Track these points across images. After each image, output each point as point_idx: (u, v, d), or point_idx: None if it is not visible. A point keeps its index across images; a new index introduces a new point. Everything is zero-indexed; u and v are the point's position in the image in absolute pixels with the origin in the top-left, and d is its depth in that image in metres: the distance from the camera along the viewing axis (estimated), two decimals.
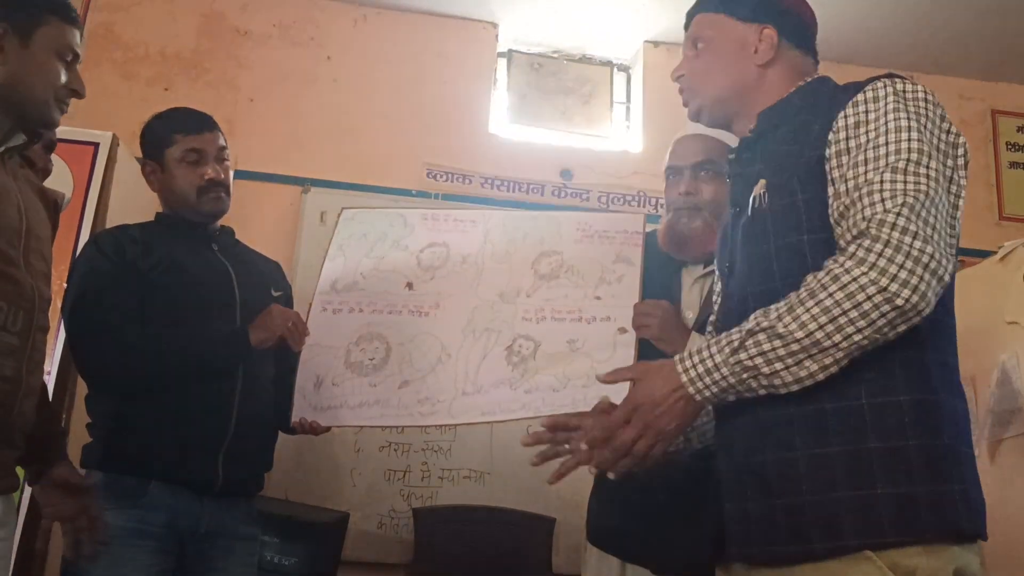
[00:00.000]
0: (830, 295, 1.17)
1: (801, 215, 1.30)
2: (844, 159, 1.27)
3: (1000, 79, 4.14)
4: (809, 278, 1.21)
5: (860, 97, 1.30)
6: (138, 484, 1.88)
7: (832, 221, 1.27)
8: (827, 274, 1.18)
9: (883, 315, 1.15)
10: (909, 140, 1.23)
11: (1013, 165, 4.11)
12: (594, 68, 4.15)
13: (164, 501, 1.88)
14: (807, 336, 1.17)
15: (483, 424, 2.28)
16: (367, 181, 3.62)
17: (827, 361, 1.19)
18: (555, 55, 4.12)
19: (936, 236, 1.17)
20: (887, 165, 1.22)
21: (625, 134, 4.08)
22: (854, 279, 1.16)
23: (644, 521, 1.83)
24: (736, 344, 1.22)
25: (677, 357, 1.29)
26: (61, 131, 1.90)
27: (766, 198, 1.34)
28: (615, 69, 4.18)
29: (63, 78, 1.63)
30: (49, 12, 1.62)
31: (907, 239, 1.16)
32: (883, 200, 1.19)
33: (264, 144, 3.62)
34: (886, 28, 3.79)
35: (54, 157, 2.07)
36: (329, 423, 2.04)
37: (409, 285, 2.12)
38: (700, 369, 1.25)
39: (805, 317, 1.18)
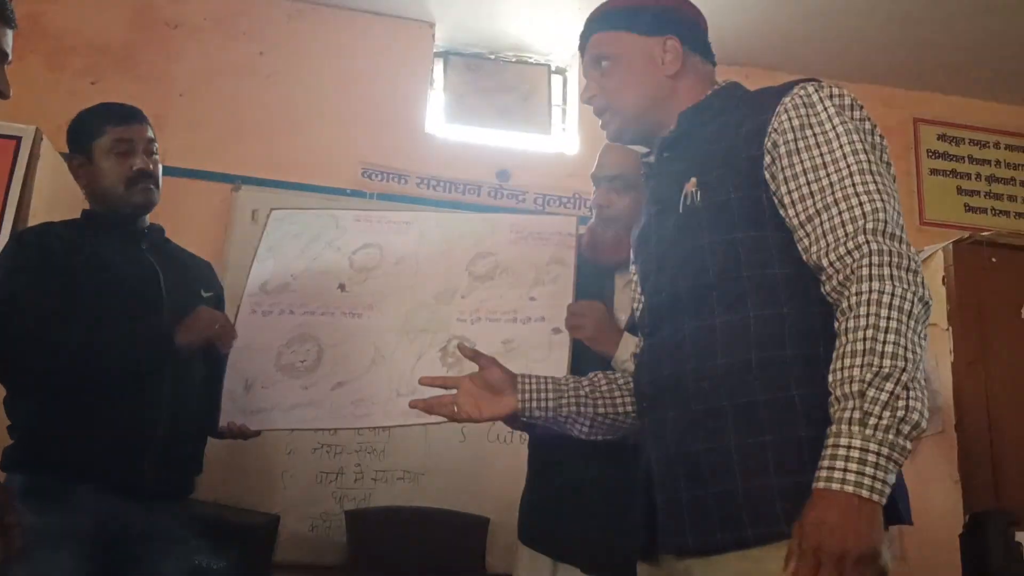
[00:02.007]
0: (895, 320, 1.15)
1: (734, 213, 1.32)
2: (795, 159, 1.28)
3: (922, 88, 4.27)
4: (851, 322, 1.17)
5: (793, 101, 1.32)
6: (62, 487, 1.83)
7: (794, 221, 1.28)
8: (873, 304, 1.16)
9: (926, 317, 1.18)
10: (862, 141, 1.27)
11: (933, 172, 4.25)
12: (532, 68, 4.17)
13: (89, 504, 1.83)
14: (915, 367, 1.14)
15: (418, 426, 2.26)
16: (301, 179, 3.57)
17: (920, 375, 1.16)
18: (492, 56, 4.12)
19: (905, 234, 1.22)
20: (854, 170, 1.25)
21: (561, 136, 4.11)
22: (900, 296, 1.16)
23: (575, 520, 1.85)
24: (887, 423, 1.11)
25: (827, 477, 1.11)
26: None
27: (698, 195, 1.36)
28: (552, 71, 4.21)
29: None
30: None
31: (903, 247, 1.19)
32: (861, 205, 1.22)
33: (194, 140, 3.55)
34: (811, 36, 3.88)
35: None
36: (259, 427, 2.01)
37: (342, 287, 2.10)
38: (879, 476, 1.10)
39: (899, 351, 1.14)
